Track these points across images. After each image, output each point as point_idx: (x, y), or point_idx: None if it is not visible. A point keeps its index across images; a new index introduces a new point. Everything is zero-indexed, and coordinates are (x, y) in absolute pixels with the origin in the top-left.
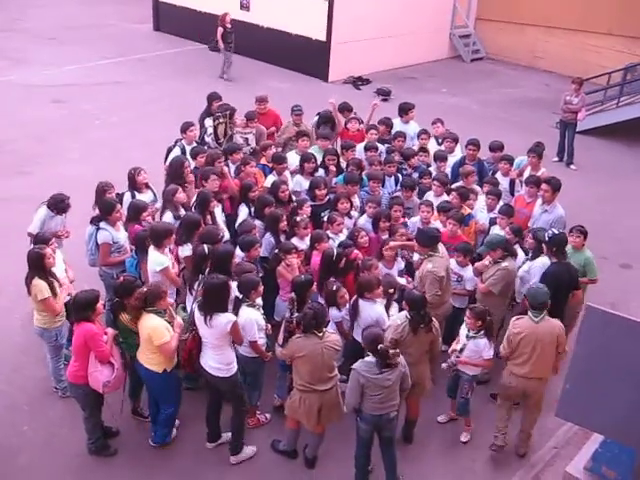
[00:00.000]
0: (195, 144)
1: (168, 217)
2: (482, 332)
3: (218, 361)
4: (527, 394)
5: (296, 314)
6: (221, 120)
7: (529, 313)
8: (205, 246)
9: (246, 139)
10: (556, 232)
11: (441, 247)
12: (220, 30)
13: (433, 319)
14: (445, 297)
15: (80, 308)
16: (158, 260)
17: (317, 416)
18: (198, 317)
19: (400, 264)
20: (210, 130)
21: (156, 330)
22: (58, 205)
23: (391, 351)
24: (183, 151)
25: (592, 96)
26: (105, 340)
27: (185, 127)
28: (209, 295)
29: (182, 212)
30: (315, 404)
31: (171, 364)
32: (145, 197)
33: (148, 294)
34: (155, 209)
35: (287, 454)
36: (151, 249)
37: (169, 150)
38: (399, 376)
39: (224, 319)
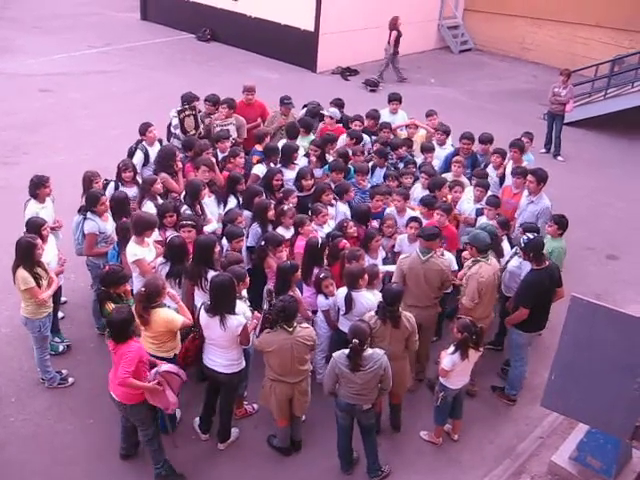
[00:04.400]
0: (158, 144)
1: (149, 207)
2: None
3: (228, 358)
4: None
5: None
6: (187, 113)
7: (480, 258)
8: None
9: (227, 130)
10: (531, 237)
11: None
12: (394, 34)
13: (404, 316)
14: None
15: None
16: (133, 251)
17: (288, 406)
18: (207, 319)
19: (382, 253)
20: (175, 122)
21: (171, 322)
22: (38, 187)
23: (365, 353)
24: (146, 154)
25: (580, 88)
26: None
27: (144, 129)
28: (217, 295)
29: (160, 202)
30: (284, 393)
31: (178, 347)
32: (131, 191)
33: (148, 293)
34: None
35: (281, 450)
36: (132, 240)
37: (130, 151)
38: (375, 377)
39: (235, 322)
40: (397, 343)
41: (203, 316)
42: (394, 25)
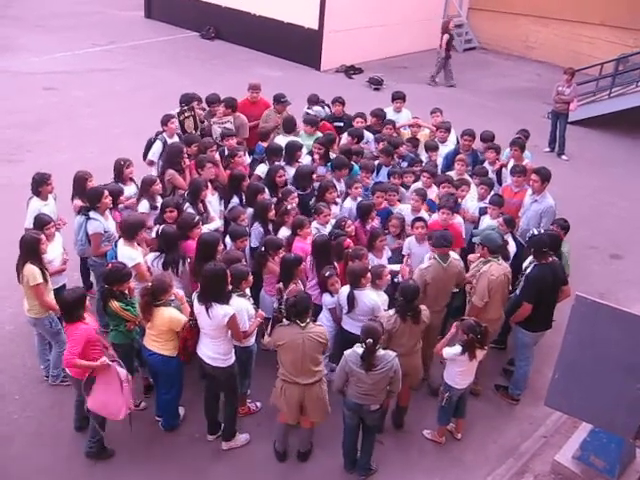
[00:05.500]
0: (177, 137)
1: (144, 206)
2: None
3: (215, 351)
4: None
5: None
6: (187, 114)
7: (491, 259)
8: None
9: (224, 128)
10: (535, 233)
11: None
12: (446, 37)
13: (423, 311)
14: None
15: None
16: (129, 255)
17: (298, 409)
18: (198, 307)
19: (387, 252)
20: (176, 124)
21: (174, 320)
22: (40, 184)
23: (378, 353)
24: (165, 145)
25: (584, 87)
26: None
27: (166, 120)
28: (208, 283)
29: (159, 202)
30: (295, 396)
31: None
32: (128, 190)
33: (154, 289)
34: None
35: (276, 455)
36: (120, 243)
37: (149, 143)
38: (385, 378)
39: (222, 311)
40: (413, 339)
41: (196, 304)
42: (446, 28)
